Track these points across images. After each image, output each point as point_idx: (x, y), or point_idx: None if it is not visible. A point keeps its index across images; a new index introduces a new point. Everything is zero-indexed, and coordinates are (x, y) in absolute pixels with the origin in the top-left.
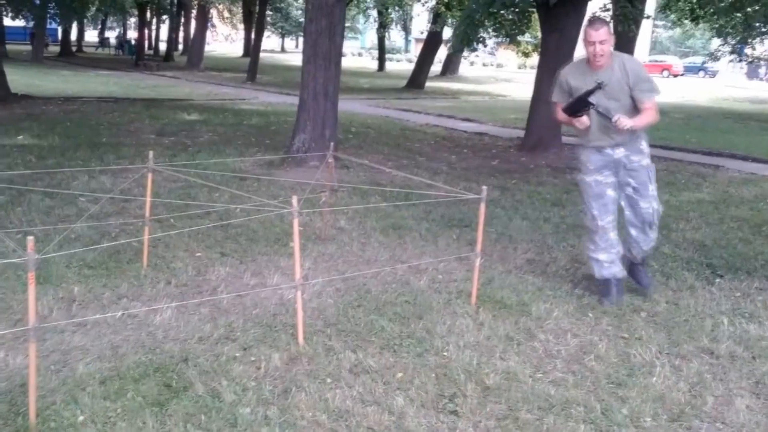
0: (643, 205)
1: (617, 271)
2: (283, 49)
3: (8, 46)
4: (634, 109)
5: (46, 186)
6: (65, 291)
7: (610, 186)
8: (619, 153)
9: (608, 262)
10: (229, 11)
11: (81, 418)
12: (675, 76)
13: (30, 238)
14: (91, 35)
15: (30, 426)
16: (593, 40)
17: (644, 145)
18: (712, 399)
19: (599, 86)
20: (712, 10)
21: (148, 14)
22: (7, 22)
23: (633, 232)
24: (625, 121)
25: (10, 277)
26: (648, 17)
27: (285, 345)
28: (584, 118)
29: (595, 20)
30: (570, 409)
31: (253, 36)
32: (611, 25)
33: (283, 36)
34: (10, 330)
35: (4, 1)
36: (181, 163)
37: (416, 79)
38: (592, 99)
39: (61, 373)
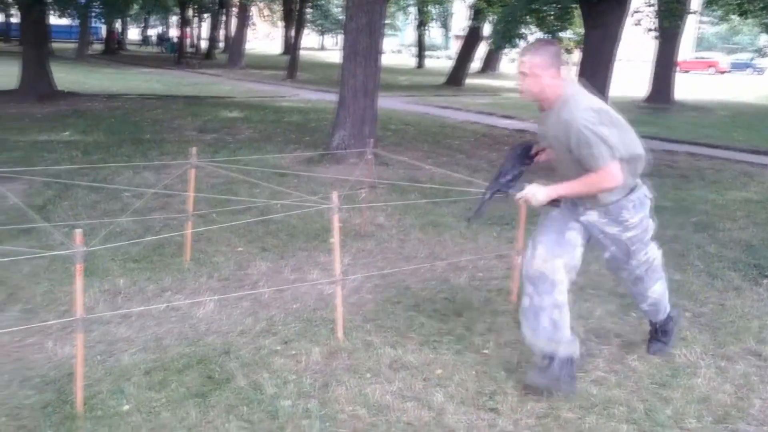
0: (631, 265)
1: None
2: (323, 47)
3: (54, 44)
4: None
5: (92, 181)
6: (110, 283)
7: (574, 229)
8: (591, 217)
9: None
10: (270, 9)
11: (126, 407)
12: (721, 73)
13: (78, 231)
14: (133, 33)
15: (77, 414)
16: (518, 69)
17: (627, 215)
18: (759, 402)
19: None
20: (761, 5)
21: (190, 12)
22: (54, 20)
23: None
24: (526, 195)
25: (58, 269)
26: (693, 13)
27: (325, 339)
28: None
29: (531, 44)
30: (612, 408)
31: (293, 34)
32: (550, 50)
33: (322, 33)
34: (59, 320)
35: (50, 1)
36: (223, 159)
37: (456, 76)
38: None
39: (107, 364)
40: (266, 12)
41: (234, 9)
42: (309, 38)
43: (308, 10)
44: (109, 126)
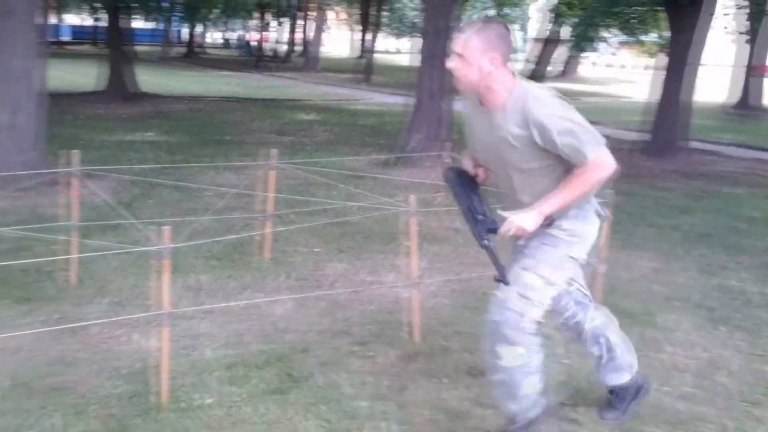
0: (498, 292)
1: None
2: (398, 50)
3: (137, 47)
4: (546, 172)
5: (175, 180)
6: (194, 280)
7: None
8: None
9: None
10: (347, 13)
11: (209, 400)
12: None
13: (166, 229)
14: (211, 37)
15: (162, 405)
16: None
17: (568, 224)
18: None
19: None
20: None
21: (268, 16)
22: (137, 24)
23: None
24: (515, 226)
25: (143, 265)
26: None
27: (401, 342)
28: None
29: (472, 21)
30: (700, 425)
31: (368, 37)
32: (494, 29)
33: (397, 36)
34: (145, 314)
35: (136, 5)
36: (300, 160)
37: (533, 80)
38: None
39: (191, 357)
40: (343, 16)
41: (312, 13)
42: (384, 41)
43: (384, 13)
44: (191, 127)
